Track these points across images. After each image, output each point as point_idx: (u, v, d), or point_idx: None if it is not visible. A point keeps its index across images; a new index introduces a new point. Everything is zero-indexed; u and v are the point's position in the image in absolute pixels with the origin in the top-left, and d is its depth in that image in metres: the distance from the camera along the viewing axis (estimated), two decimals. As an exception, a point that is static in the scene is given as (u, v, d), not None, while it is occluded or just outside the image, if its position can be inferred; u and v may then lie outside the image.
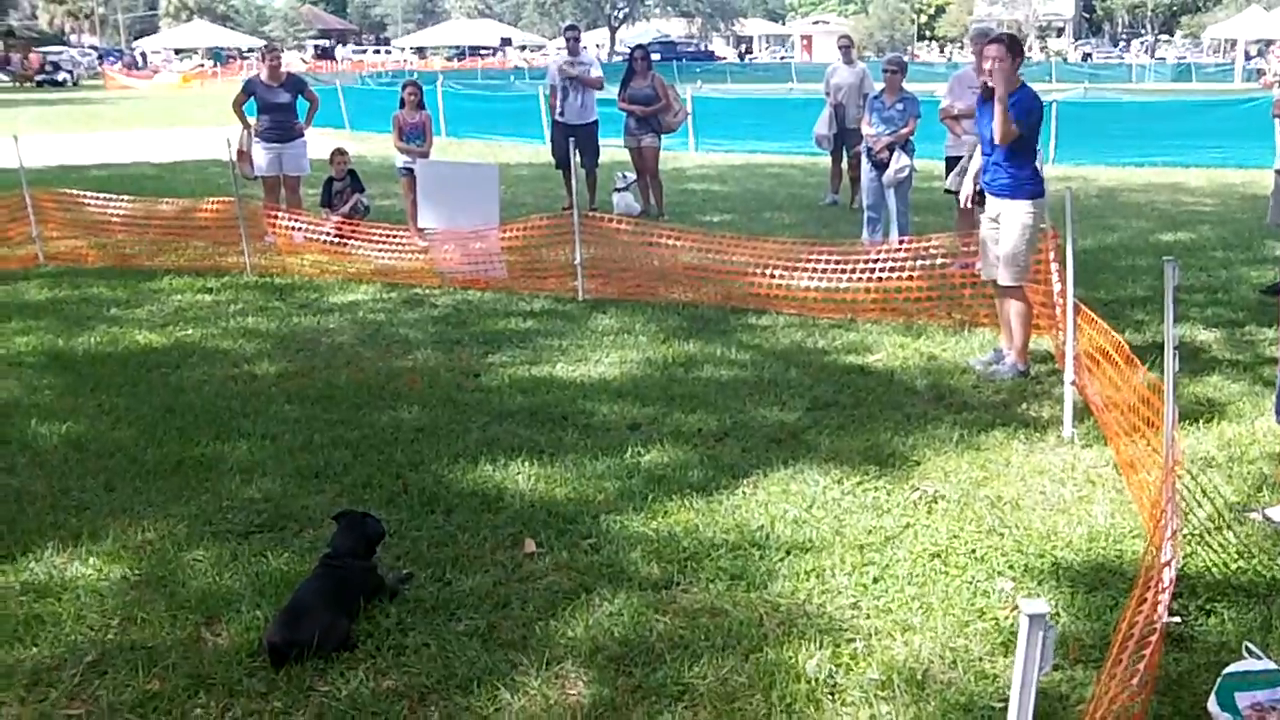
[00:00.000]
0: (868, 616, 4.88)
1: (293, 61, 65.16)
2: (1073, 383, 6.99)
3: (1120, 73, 63.21)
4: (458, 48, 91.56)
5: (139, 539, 5.74)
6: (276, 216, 13.19)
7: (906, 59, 14.06)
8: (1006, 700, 4.13)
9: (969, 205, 9.00)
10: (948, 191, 10.05)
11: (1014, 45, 7.72)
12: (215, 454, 6.91)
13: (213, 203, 13.56)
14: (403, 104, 14.23)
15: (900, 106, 12.59)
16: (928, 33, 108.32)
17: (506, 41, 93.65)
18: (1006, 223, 7.90)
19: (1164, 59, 73.04)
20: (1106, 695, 3.44)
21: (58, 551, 5.58)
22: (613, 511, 5.98)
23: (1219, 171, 20.30)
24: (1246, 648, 4.37)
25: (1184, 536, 5.39)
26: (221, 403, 7.90)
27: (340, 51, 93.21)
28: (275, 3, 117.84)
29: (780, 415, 7.45)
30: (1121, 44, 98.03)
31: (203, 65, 76.36)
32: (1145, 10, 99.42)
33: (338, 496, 6.20)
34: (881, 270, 10.04)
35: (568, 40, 16.35)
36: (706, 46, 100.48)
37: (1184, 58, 74.18)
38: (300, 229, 13.12)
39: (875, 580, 5.19)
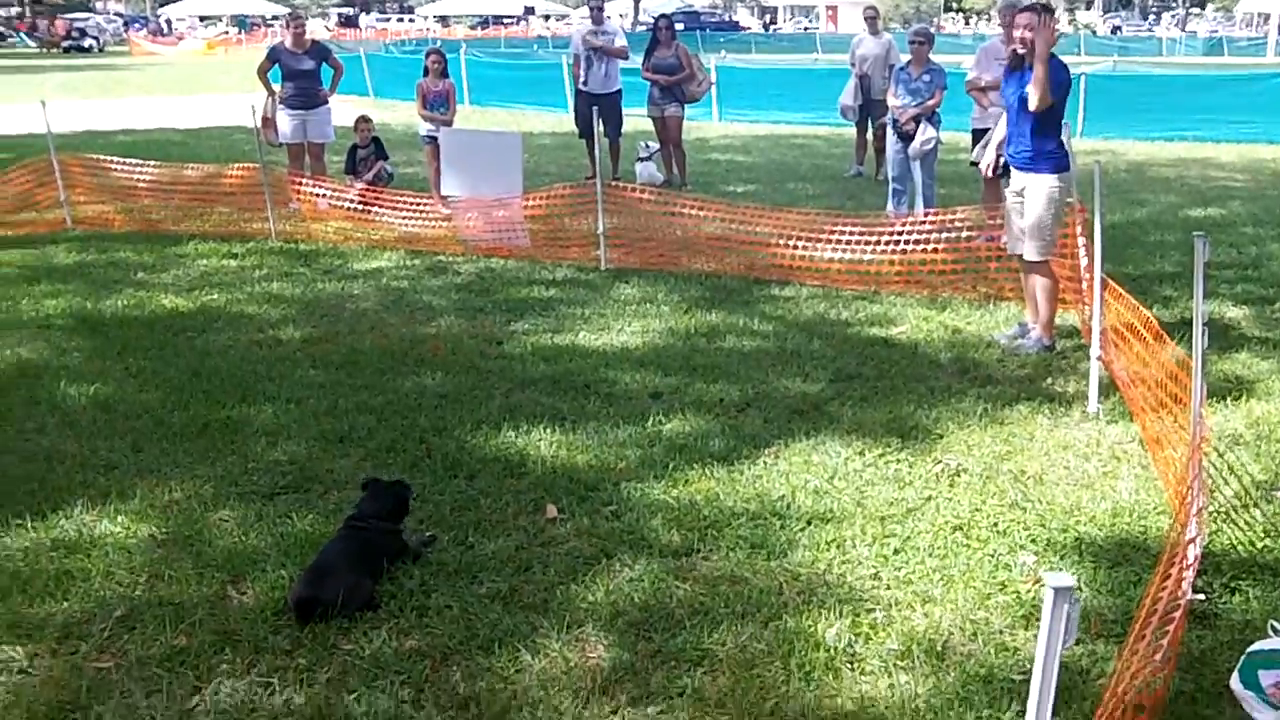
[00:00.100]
0: (888, 587, 4.89)
1: (316, 29, 65.10)
2: (1099, 358, 6.97)
3: (1150, 46, 62.66)
4: (481, 16, 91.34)
5: (166, 499, 5.80)
6: (301, 183, 13.22)
7: (933, 30, 13.97)
8: (1027, 673, 4.15)
9: (991, 176, 8.97)
10: (973, 164, 10.01)
11: (1045, 13, 7.67)
12: (241, 417, 6.96)
13: (238, 169, 13.60)
14: (426, 72, 14.23)
15: (927, 78, 12.52)
16: (955, 4, 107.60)
17: (530, 10, 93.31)
18: (1031, 196, 7.87)
19: (1195, 32, 72.30)
20: (1128, 670, 3.45)
21: (87, 510, 5.65)
22: (634, 479, 6.00)
23: (1250, 147, 20.17)
24: (1271, 626, 4.36)
25: (1209, 513, 5.37)
26: (247, 367, 7.95)
27: (364, 19, 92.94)
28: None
29: (803, 386, 7.46)
30: (1152, 17, 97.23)
31: (227, 32, 76.35)
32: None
33: (362, 461, 6.25)
34: (906, 242, 10.01)
35: (592, 9, 16.29)
36: (731, 16, 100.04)
37: (1215, 31, 73.45)
38: (324, 196, 13.15)
39: (896, 552, 5.20)
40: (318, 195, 13.11)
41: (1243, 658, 4.12)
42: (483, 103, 28.42)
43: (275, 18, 77.41)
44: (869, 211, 12.28)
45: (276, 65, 14.11)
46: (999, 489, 5.86)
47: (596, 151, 11.98)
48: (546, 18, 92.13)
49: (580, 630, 4.55)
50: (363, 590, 4.69)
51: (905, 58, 13.40)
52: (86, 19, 74.42)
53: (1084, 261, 7.74)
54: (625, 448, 6.44)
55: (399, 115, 23.17)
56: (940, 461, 6.21)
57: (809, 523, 5.47)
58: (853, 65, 16.26)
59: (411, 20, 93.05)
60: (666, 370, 7.82)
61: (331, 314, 9.40)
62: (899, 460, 6.24)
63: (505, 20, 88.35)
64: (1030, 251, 7.96)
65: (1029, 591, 4.83)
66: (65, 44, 64.60)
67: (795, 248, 10.44)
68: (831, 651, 4.37)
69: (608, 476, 6.04)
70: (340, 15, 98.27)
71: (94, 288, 10.28)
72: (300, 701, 4.11)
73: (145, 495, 5.83)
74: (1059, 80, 7.63)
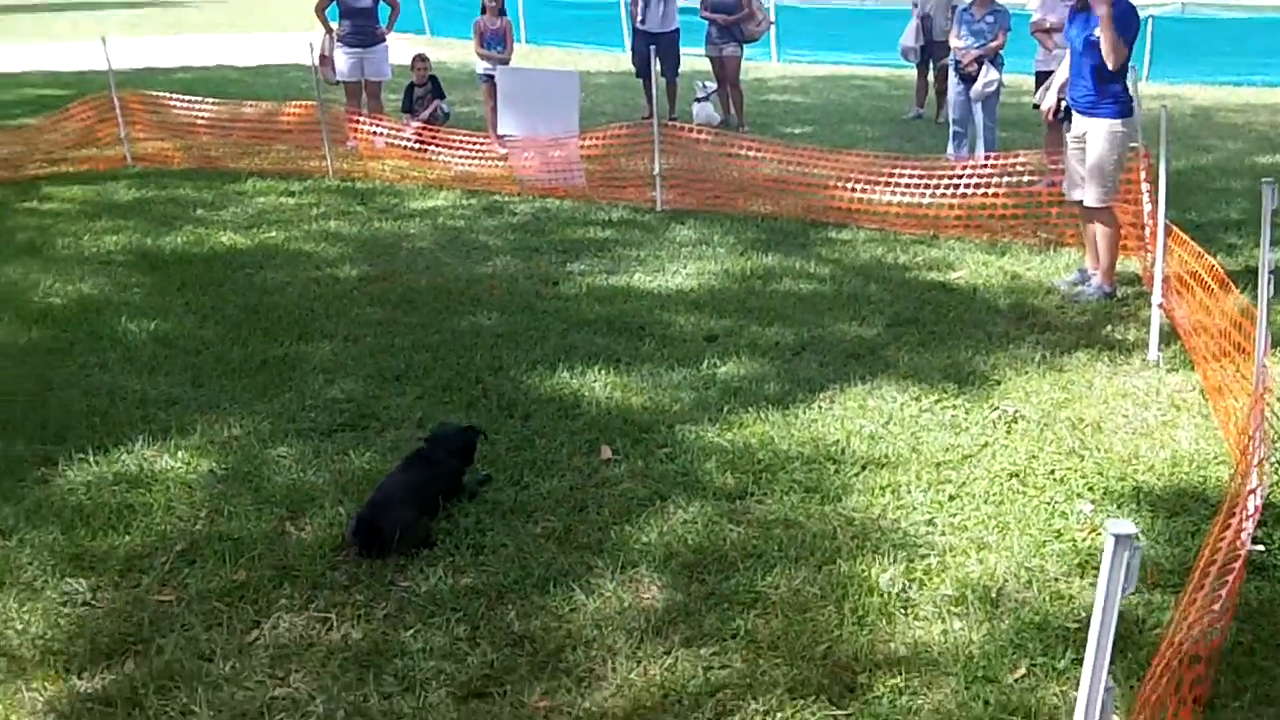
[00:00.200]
0: (943, 533, 4.88)
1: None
2: (1160, 305, 6.89)
3: (1219, -12, 61.24)
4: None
5: (225, 434, 5.87)
6: (358, 122, 13.24)
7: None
8: (1082, 621, 4.16)
9: (1052, 120, 8.84)
10: (1036, 107, 9.87)
11: None
12: (298, 354, 7.02)
13: (295, 107, 13.63)
14: (484, 10, 14.15)
15: (990, 19, 12.31)
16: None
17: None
18: (1093, 141, 7.74)
19: (1264, -26, 70.60)
20: (1186, 621, 3.42)
21: (148, 444, 5.72)
22: (688, 421, 6.01)
23: (1321, 92, 19.73)
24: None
25: (1271, 464, 5.31)
26: (304, 304, 8.01)
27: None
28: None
29: (859, 330, 7.42)
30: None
31: (285, -32, 76.17)
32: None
33: (418, 399, 6.29)
34: (966, 186, 9.90)
35: (650, -53, 16.12)
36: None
37: (1285, -26, 71.67)
38: (381, 134, 13.16)
39: (951, 498, 5.18)
40: (375, 134, 13.13)
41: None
42: (540, 41, 28.26)
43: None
44: (928, 154, 12.14)
45: (334, 3, 14.07)
46: (1056, 436, 5.82)
47: (653, 91, 11.95)
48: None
49: (634, 571, 4.57)
50: (421, 527, 4.74)
51: (968, -2, 13.19)
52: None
53: (1147, 207, 7.62)
54: (680, 390, 6.44)
55: (456, 54, 23.07)
56: (997, 408, 6.17)
57: (864, 468, 5.46)
58: (914, 6, 16.02)
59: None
60: (722, 313, 7.80)
61: (388, 253, 9.43)
62: (955, 406, 6.21)
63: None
64: (1091, 197, 7.85)
65: (1085, 539, 4.80)
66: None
67: (853, 190, 10.35)
68: (885, 596, 4.37)
69: (662, 418, 6.05)
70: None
71: (153, 224, 10.36)
72: (357, 637, 4.16)
73: (205, 431, 5.90)
74: (1128, 24, 7.48)
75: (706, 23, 15.69)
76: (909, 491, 5.22)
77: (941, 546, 4.75)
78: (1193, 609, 3.47)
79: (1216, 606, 3.51)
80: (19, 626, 4.25)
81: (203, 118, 13.85)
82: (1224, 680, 3.87)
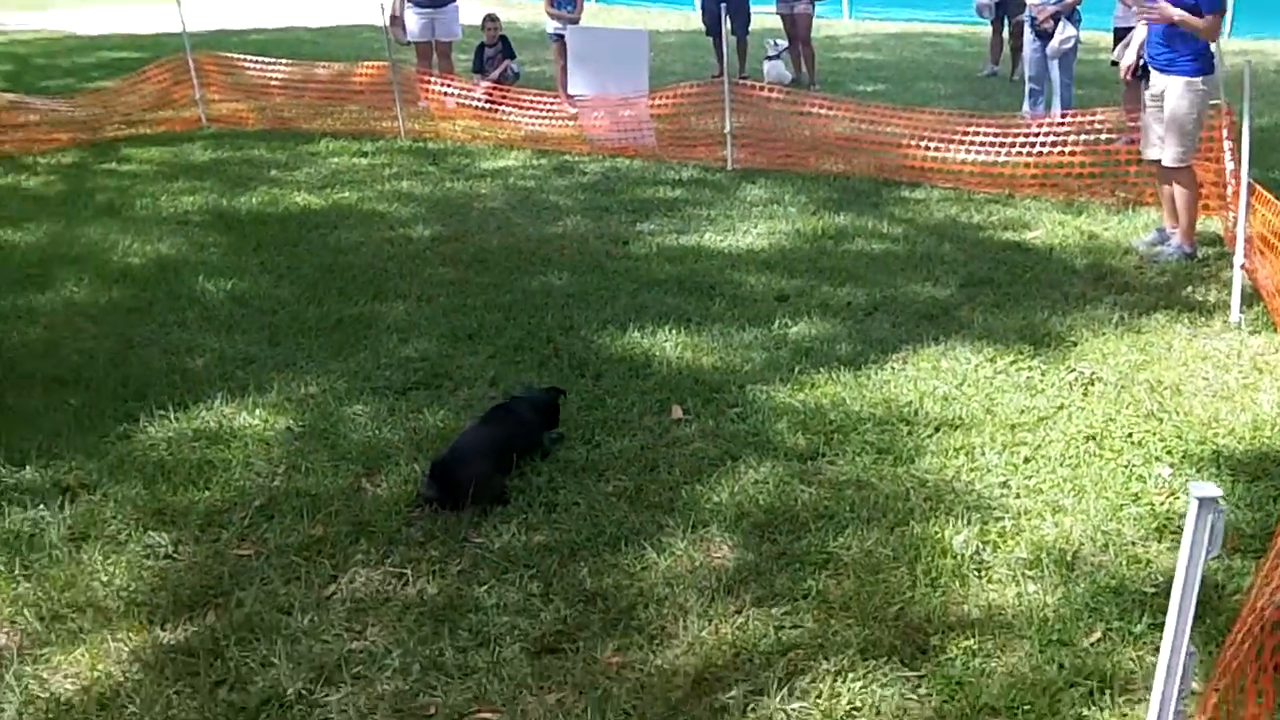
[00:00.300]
0: (1017, 496, 4.84)
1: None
2: (1242, 266, 6.77)
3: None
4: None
5: (302, 392, 5.94)
6: (429, 82, 13.28)
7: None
8: (1158, 586, 4.13)
9: (1130, 78, 8.70)
10: (1114, 64, 9.69)
11: None
12: (373, 313, 7.08)
13: (367, 67, 13.69)
14: (554, -31, 14.13)
15: (1067, -26, 12.11)
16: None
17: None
18: (1172, 99, 7.59)
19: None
20: (1268, 587, 3.38)
21: (226, 402, 5.81)
22: (759, 381, 6.00)
23: None
24: None
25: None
26: (378, 264, 8.07)
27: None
28: None
29: (932, 291, 7.37)
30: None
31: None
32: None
33: (490, 358, 6.33)
34: (1042, 145, 9.77)
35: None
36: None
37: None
38: (452, 94, 13.20)
39: (1026, 460, 5.14)
40: (446, 94, 13.17)
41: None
42: (609, 0, 28.16)
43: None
44: (1003, 112, 11.97)
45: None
46: (1134, 399, 5.75)
47: (724, 49, 11.88)
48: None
49: (705, 530, 4.59)
50: (495, 483, 4.79)
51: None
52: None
53: (1229, 166, 7.48)
54: (751, 350, 6.43)
55: (526, 13, 23.06)
56: (1074, 370, 6.10)
57: (937, 429, 5.43)
58: (989, -39, 15.79)
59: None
60: (793, 272, 7.77)
61: (460, 213, 9.48)
62: (1031, 367, 6.15)
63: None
64: (1169, 156, 7.71)
65: (1163, 503, 4.75)
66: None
67: (926, 149, 10.25)
68: (959, 559, 4.35)
69: (733, 378, 6.05)
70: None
71: (229, 185, 10.47)
72: (433, 592, 4.21)
73: (282, 388, 5.98)
74: (1213, 2, 7.31)
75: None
76: (983, 454, 5.19)
77: (1016, 509, 4.72)
78: (1275, 574, 3.43)
79: (1298, 571, 3.46)
80: (104, 579, 4.34)
81: (276, 79, 13.97)
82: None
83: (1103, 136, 9.76)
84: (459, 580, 4.28)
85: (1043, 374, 6.06)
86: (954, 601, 4.11)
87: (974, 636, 3.89)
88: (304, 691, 3.68)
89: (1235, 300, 6.78)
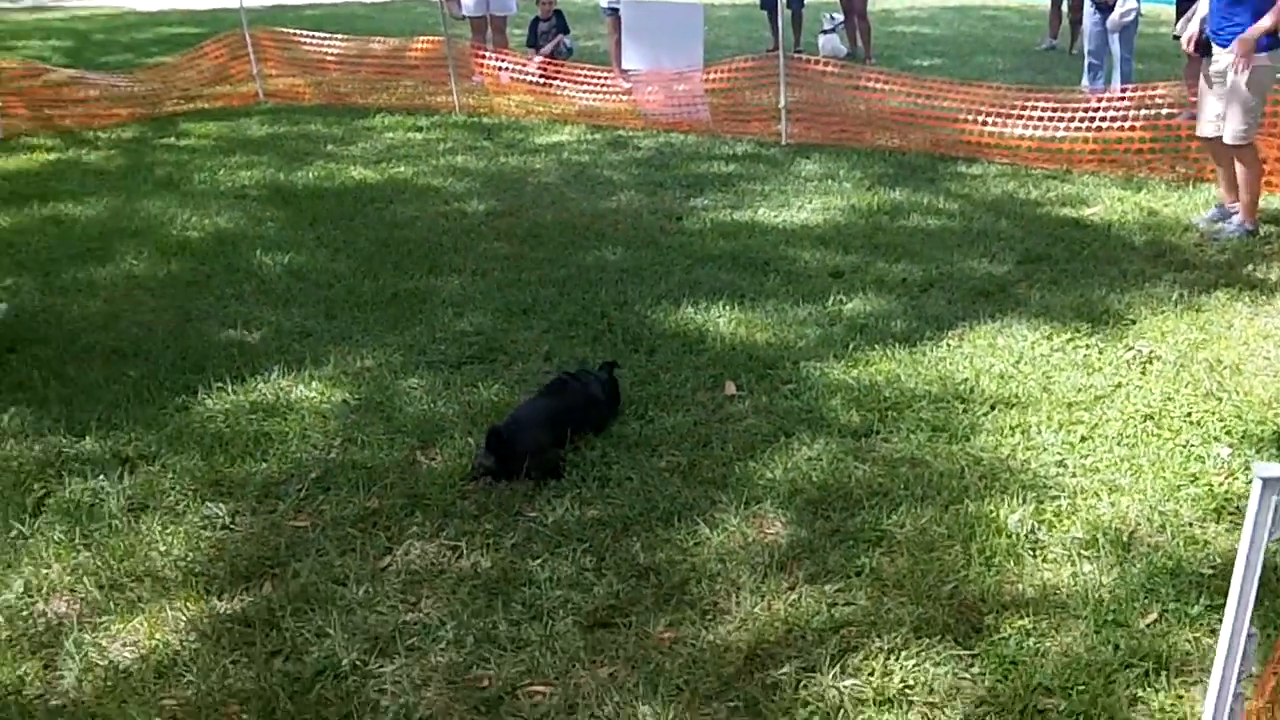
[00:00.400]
0: (1073, 475, 4.80)
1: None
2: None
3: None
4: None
5: (358, 365, 5.98)
6: (484, 57, 13.30)
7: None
8: (1216, 567, 4.09)
9: (1192, 51, 8.57)
10: (1175, 38, 9.56)
11: None
12: (428, 287, 7.12)
13: (422, 42, 13.73)
14: (610, -57, 14.08)
15: (1128, -53, 11.95)
16: None
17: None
18: (1235, 76, 7.47)
19: None
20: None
21: (283, 374, 5.86)
22: (813, 358, 5.98)
23: None
24: None
25: None
26: (433, 238, 8.11)
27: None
28: None
29: (988, 267, 7.31)
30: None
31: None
32: None
33: (545, 333, 6.34)
34: (1101, 120, 9.67)
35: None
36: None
37: None
38: (507, 69, 13.21)
39: (1083, 439, 5.09)
40: (500, 69, 13.18)
41: None
42: (664, -26, 28.08)
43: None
44: (1062, 87, 11.84)
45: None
46: (1193, 378, 5.68)
47: (779, 23, 11.80)
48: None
49: (758, 506, 4.58)
50: (552, 456, 4.81)
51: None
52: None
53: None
54: (805, 326, 6.41)
55: (580, -13, 23.07)
56: (1132, 348, 6.04)
57: (992, 407, 5.39)
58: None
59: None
60: (848, 248, 7.73)
61: (514, 187, 9.50)
62: (1088, 345, 6.09)
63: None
64: (1231, 134, 7.59)
65: (1222, 484, 4.69)
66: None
67: (984, 124, 10.17)
68: (1013, 537, 4.33)
69: (787, 354, 6.03)
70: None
71: (286, 159, 10.55)
72: (486, 565, 4.23)
73: (338, 362, 6.02)
74: None
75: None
76: (1039, 432, 5.15)
77: (1072, 488, 4.68)
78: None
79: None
80: (162, 549, 4.39)
81: (332, 54, 14.04)
82: (1365, 629, 3.79)
83: (1163, 111, 9.63)
84: (512, 553, 4.30)
85: (1100, 352, 6.01)
86: (1008, 581, 4.09)
87: (1028, 616, 3.87)
88: (358, 662, 3.71)
89: (1298, 278, 6.69)
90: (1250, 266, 7.24)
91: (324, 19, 18.54)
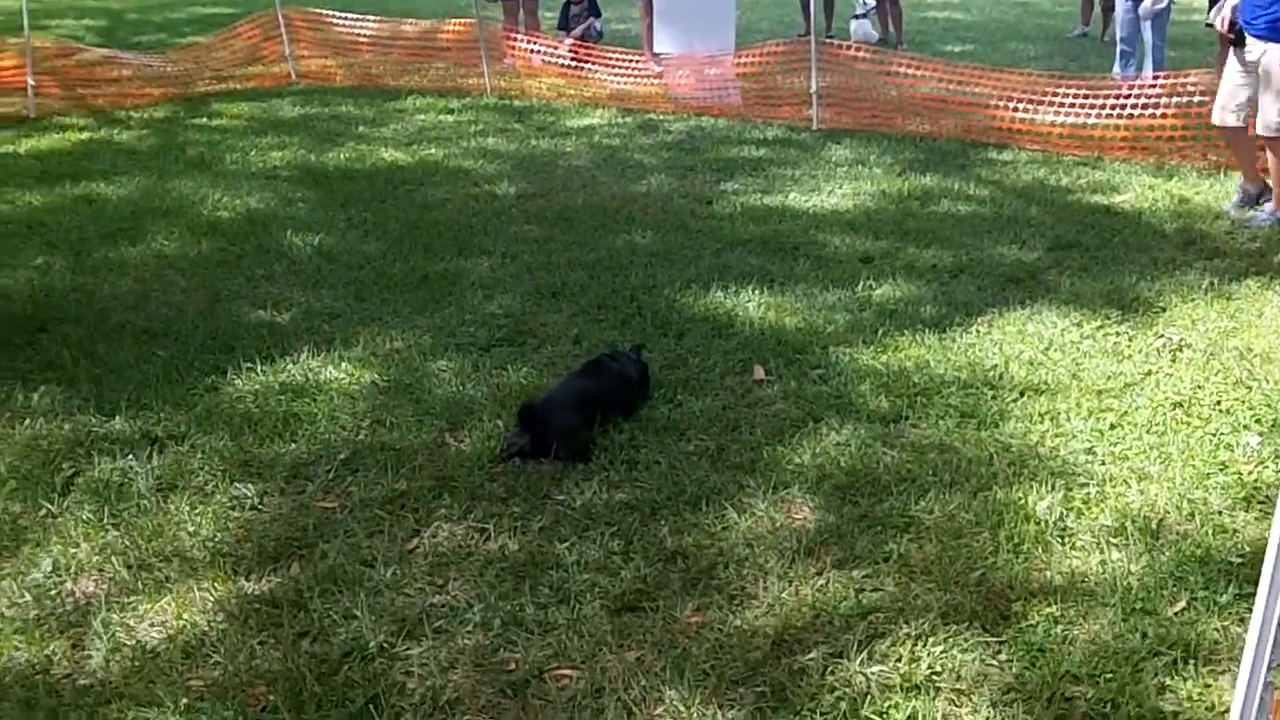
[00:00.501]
0: (1103, 462, 4.78)
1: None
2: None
3: None
4: None
5: (387, 347, 6.00)
6: (515, 39, 13.30)
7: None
8: (1245, 556, 4.07)
9: (1226, 31, 8.50)
10: (1208, 25, 9.49)
11: None
12: (458, 269, 7.13)
13: (454, 24, 13.74)
14: (642, -74, 14.05)
15: (1163, -68, 11.85)
16: None
17: None
18: (1270, 66, 7.40)
19: None
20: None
21: (312, 355, 5.88)
22: (842, 343, 5.97)
23: None
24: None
25: None
26: (463, 220, 8.13)
27: None
28: None
29: (1019, 254, 7.28)
30: None
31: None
32: None
33: (574, 316, 6.35)
34: (1133, 107, 9.61)
35: None
36: None
37: None
38: (538, 52, 13.22)
39: (1112, 427, 5.07)
40: (532, 51, 13.18)
41: None
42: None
43: None
44: (1094, 73, 11.78)
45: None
46: (1223, 366, 5.65)
47: (811, 7, 11.76)
48: None
49: (786, 491, 4.58)
50: (582, 437, 4.82)
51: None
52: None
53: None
54: (834, 311, 6.40)
55: (611, -30, 23.04)
56: (1162, 336, 6.01)
57: (1022, 394, 5.37)
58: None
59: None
60: (878, 234, 7.71)
61: (545, 170, 9.50)
62: (1118, 333, 6.06)
63: None
64: (1265, 125, 7.53)
65: (1251, 472, 4.67)
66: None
67: (1015, 110, 10.12)
68: (1042, 524, 4.31)
69: (816, 340, 6.02)
70: None
71: (317, 140, 10.58)
72: (514, 548, 4.24)
73: (367, 343, 6.04)
74: None
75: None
76: (1068, 419, 5.13)
77: (1101, 476, 4.67)
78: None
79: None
80: (190, 529, 4.41)
81: (364, 36, 14.07)
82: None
83: (1195, 99, 9.54)
84: (540, 537, 4.31)
85: (1130, 340, 5.98)
86: (1036, 568, 4.08)
87: (1056, 603, 3.86)
88: (386, 644, 3.73)
89: (1332, 267, 6.63)
90: (1282, 255, 7.19)
91: (356, 1, 18.56)
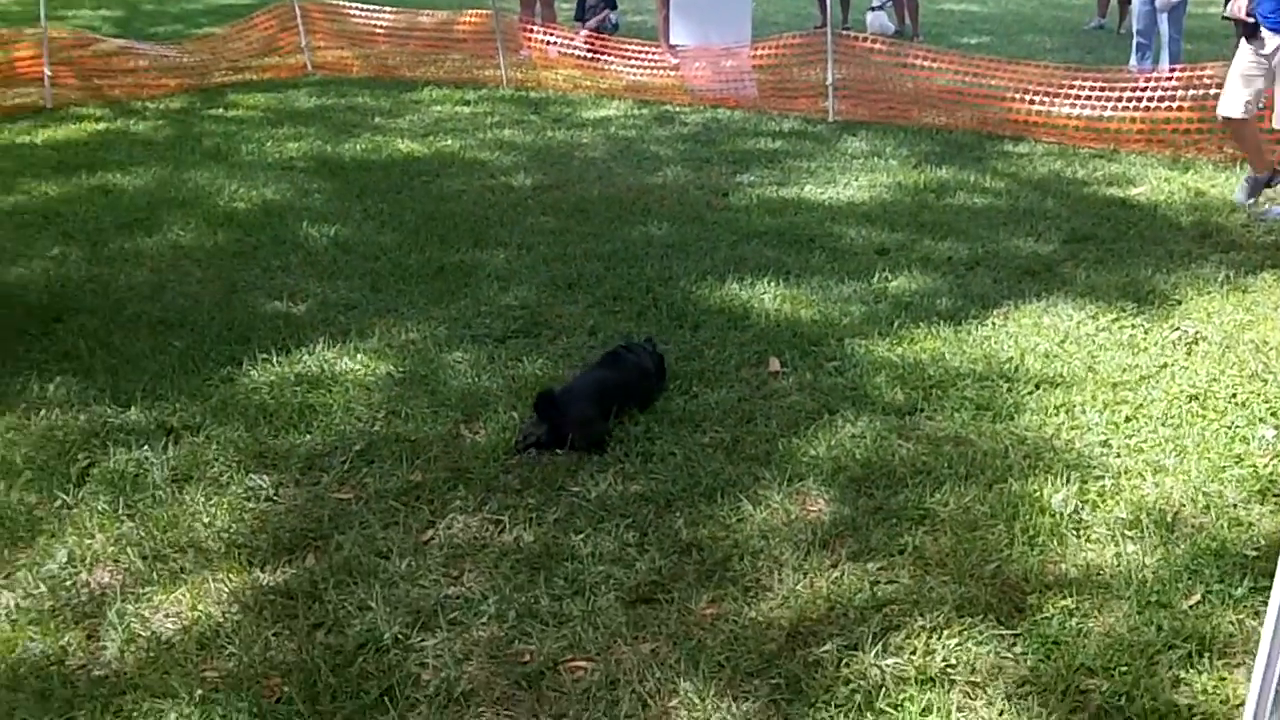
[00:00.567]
0: (1118, 455, 4.77)
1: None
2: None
3: None
4: None
5: (403, 338, 6.01)
6: (532, 30, 13.30)
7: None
8: (1260, 549, 4.06)
9: (1244, 17, 8.46)
10: (1225, 19, 9.45)
11: None
12: (474, 261, 7.14)
13: (471, 16, 13.74)
14: (658, -83, 14.03)
15: (1180, -76, 11.80)
16: None
17: None
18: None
19: None
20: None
21: (328, 346, 5.89)
22: (858, 335, 5.96)
23: None
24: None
25: None
26: (480, 212, 8.14)
27: None
28: None
29: (1034, 246, 7.27)
30: None
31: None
32: None
33: (589, 307, 6.35)
34: (1149, 100, 9.59)
35: None
36: None
37: None
38: (554, 43, 13.22)
39: (1127, 419, 5.06)
40: (548, 43, 13.19)
41: None
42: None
43: None
44: (1110, 66, 11.74)
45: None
46: (1239, 359, 5.63)
47: (827, 0, 11.73)
48: None
49: (801, 484, 4.58)
50: (599, 428, 4.83)
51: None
52: None
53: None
54: (850, 303, 6.39)
55: (627, -39, 23.01)
56: (1178, 328, 6.00)
57: (1037, 386, 5.37)
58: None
59: None
60: (894, 226, 7.70)
61: (561, 162, 9.51)
62: (1134, 326, 6.05)
63: None
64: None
65: (1266, 465, 4.65)
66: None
67: (1031, 103, 10.09)
68: (1057, 517, 4.31)
69: (831, 332, 6.02)
70: None
71: (333, 131, 10.60)
72: (529, 539, 4.25)
73: (383, 334, 6.05)
74: None
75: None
76: (1084, 412, 5.12)
77: (1116, 468, 4.66)
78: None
79: None
80: (206, 520, 4.42)
81: (381, 27, 14.08)
82: None
83: (1211, 92, 9.45)
84: (555, 528, 4.31)
85: (1146, 332, 5.96)
86: (1051, 560, 4.08)
87: (1071, 596, 3.86)
88: (400, 635, 3.73)
89: (1349, 260, 6.61)
90: (1299, 248, 7.17)
91: (371, -9, 18.58)
